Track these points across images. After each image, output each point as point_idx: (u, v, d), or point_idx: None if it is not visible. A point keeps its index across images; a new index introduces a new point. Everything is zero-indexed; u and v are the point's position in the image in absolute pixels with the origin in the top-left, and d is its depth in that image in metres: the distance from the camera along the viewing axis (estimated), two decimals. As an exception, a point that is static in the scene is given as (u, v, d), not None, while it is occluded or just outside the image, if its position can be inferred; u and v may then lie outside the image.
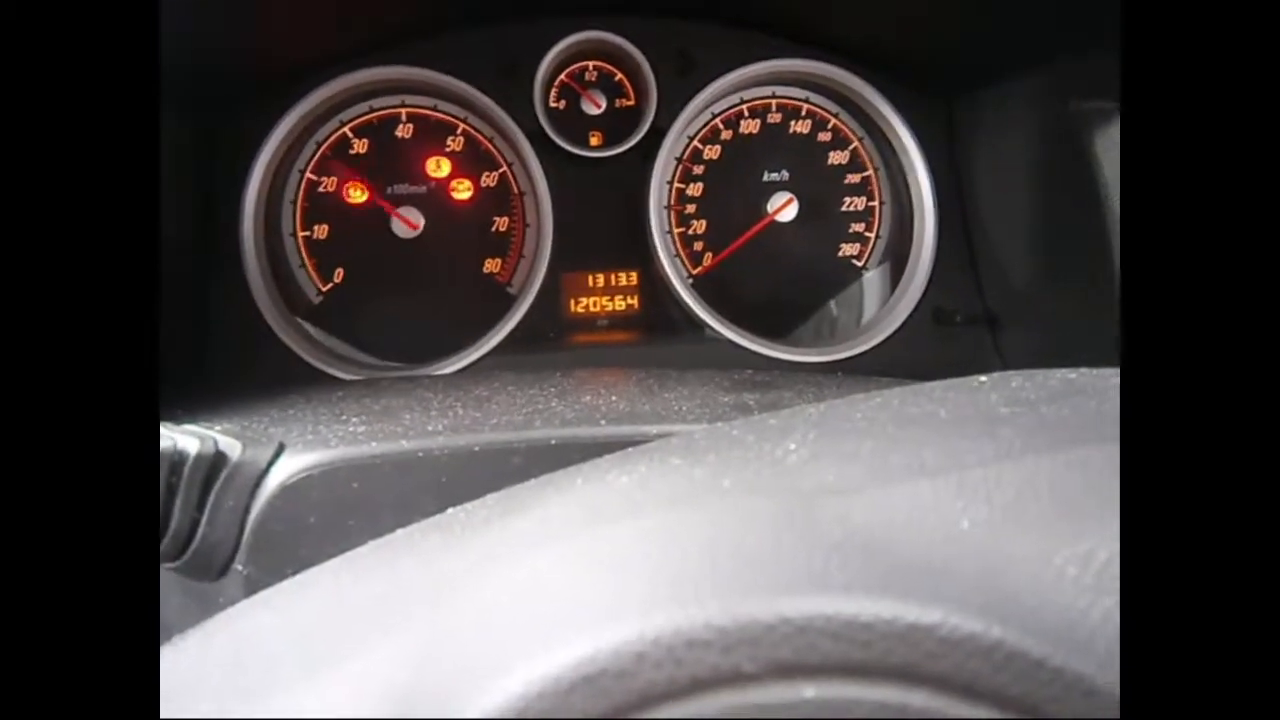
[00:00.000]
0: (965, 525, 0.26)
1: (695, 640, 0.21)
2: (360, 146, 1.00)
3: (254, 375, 0.89)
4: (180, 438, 0.53)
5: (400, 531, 0.38)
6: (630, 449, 0.41)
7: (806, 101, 1.06)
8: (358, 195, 1.00)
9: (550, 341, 0.99)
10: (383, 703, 0.23)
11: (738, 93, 1.04)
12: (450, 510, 0.39)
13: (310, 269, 0.99)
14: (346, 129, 0.99)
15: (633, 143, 1.00)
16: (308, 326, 0.97)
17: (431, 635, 0.25)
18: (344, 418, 0.60)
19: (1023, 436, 0.33)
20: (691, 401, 0.60)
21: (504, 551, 0.31)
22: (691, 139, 1.04)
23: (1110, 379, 0.43)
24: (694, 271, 1.05)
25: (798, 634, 0.21)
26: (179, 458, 0.52)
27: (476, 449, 0.52)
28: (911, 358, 0.96)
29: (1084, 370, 0.46)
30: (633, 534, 0.28)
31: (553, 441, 0.52)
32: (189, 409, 0.70)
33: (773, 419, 0.43)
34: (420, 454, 0.52)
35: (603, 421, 0.54)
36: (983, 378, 0.48)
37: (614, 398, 0.61)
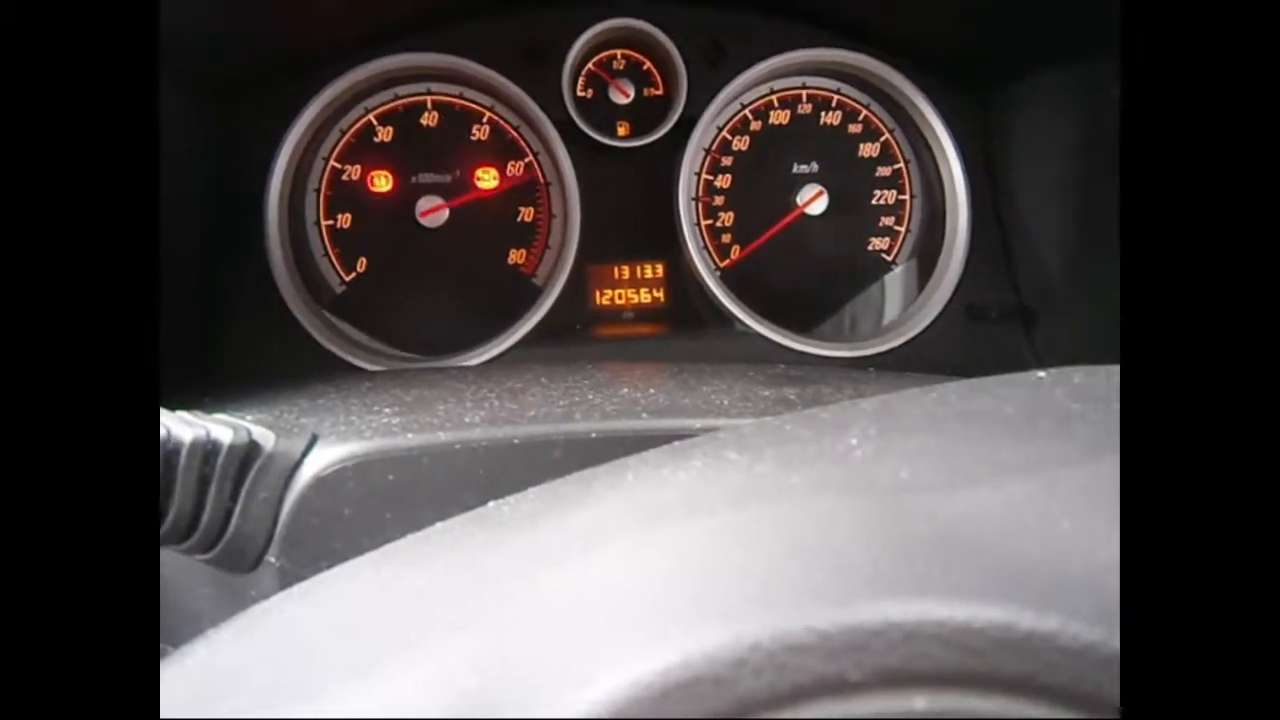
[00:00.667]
0: (1066, 526, 0.24)
1: (797, 645, 0.19)
2: (385, 134, 0.98)
3: (277, 364, 0.88)
4: (214, 427, 0.52)
5: (443, 524, 0.37)
6: (677, 443, 0.40)
7: (838, 93, 1.04)
8: (382, 184, 0.99)
9: (576, 334, 0.98)
10: (451, 704, 0.22)
11: (768, 83, 1.02)
12: (494, 504, 0.38)
13: (333, 258, 0.98)
14: (371, 116, 0.98)
15: (661, 133, 0.98)
16: (331, 316, 0.96)
17: (501, 635, 0.24)
18: (376, 408, 0.59)
19: (1103, 435, 0.31)
20: (731, 395, 0.58)
21: (563, 549, 0.29)
22: (720, 130, 1.03)
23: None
24: (721, 264, 1.04)
25: (906, 640, 0.19)
26: (212, 447, 0.51)
27: (516, 441, 0.51)
28: (944, 354, 0.95)
29: None
30: (706, 532, 0.26)
31: (593, 435, 0.51)
32: (216, 397, 0.69)
33: (825, 413, 0.42)
34: (458, 446, 0.51)
35: (644, 415, 0.53)
36: (1041, 373, 0.46)
37: (651, 390, 0.60)
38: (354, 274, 0.99)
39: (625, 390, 0.60)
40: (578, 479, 0.38)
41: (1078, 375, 0.44)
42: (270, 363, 0.88)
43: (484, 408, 0.57)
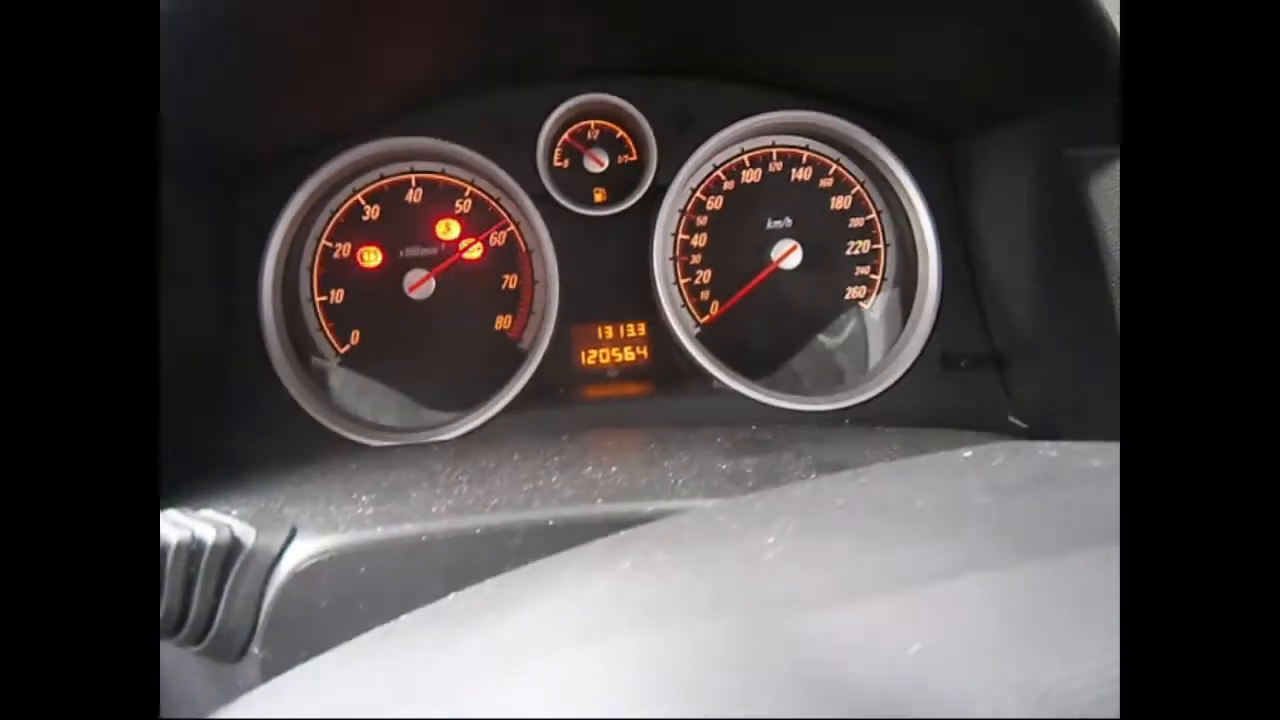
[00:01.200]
0: (914, 650, 0.27)
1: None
2: (373, 212, 1.03)
3: (273, 440, 0.91)
4: (197, 525, 0.56)
5: (399, 622, 0.40)
6: (620, 536, 0.43)
7: (807, 149, 1.07)
8: (371, 259, 1.03)
9: (562, 397, 1.01)
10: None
11: (738, 143, 1.06)
12: (447, 600, 0.41)
13: (328, 332, 1.03)
14: (359, 196, 1.03)
15: (636, 198, 1.02)
16: (326, 390, 1.00)
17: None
18: (354, 495, 0.63)
19: (987, 540, 0.34)
20: (689, 472, 0.61)
21: (480, 666, 0.32)
22: (694, 190, 1.06)
23: (1089, 458, 0.44)
24: (701, 320, 1.07)
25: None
26: (196, 547, 0.55)
27: (478, 531, 0.54)
28: (919, 403, 0.97)
29: (1068, 447, 0.47)
30: (601, 660, 0.29)
31: (550, 523, 0.54)
32: (211, 481, 0.73)
33: (759, 502, 0.45)
34: (424, 538, 0.54)
35: (599, 500, 0.55)
36: (968, 452, 0.49)
37: (614, 469, 0.63)
38: (348, 346, 1.03)
39: (588, 469, 0.63)
40: (522, 579, 0.41)
41: (999, 456, 0.47)
42: (266, 438, 0.92)
43: (453, 494, 0.60)
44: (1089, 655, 0.27)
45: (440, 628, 0.38)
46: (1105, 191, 0.77)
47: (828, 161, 1.08)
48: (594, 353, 1.06)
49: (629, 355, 1.07)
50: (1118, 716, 0.24)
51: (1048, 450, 0.46)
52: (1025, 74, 0.82)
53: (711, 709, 0.25)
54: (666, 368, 1.05)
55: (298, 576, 0.54)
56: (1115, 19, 0.67)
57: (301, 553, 0.54)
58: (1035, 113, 0.84)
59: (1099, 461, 0.43)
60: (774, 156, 1.07)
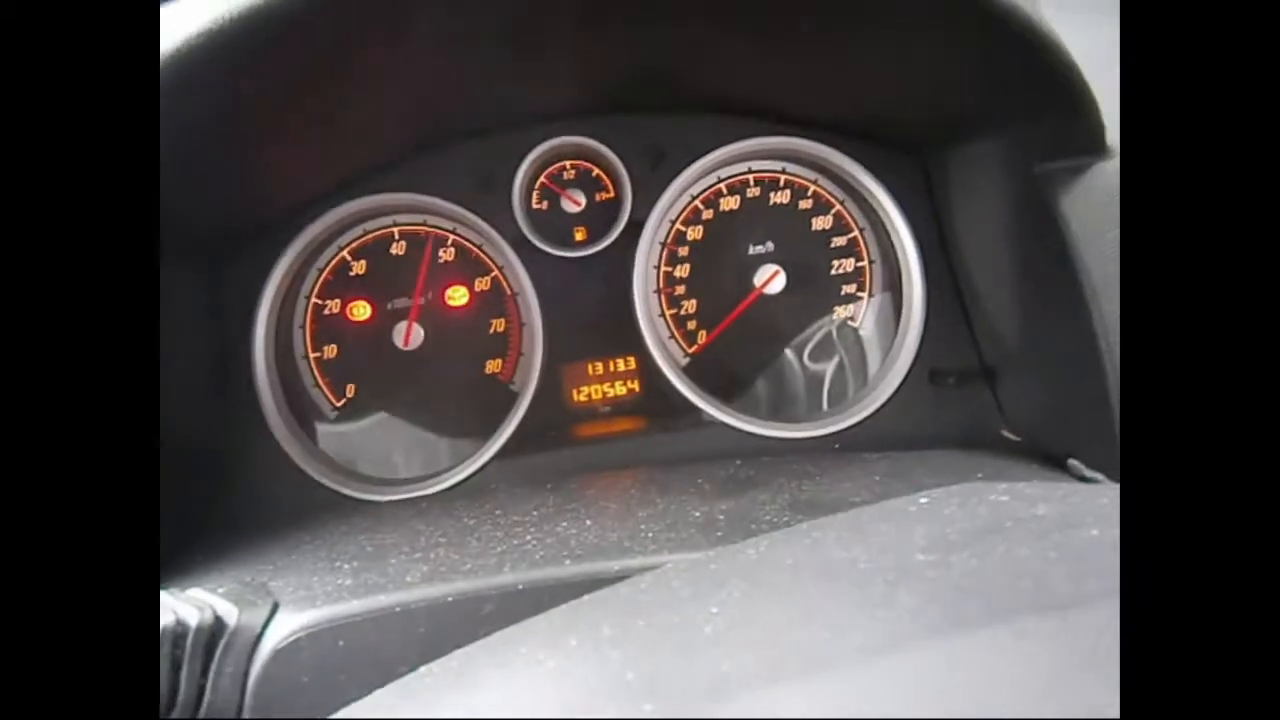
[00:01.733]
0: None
1: None
2: (359, 267, 1.05)
3: (270, 500, 0.93)
4: (181, 608, 0.57)
5: (373, 697, 0.42)
6: (581, 603, 0.44)
7: (783, 173, 1.07)
8: (361, 313, 1.05)
9: (554, 438, 1.02)
10: None
11: (713, 172, 1.06)
12: (415, 674, 0.42)
13: (324, 388, 1.05)
14: (345, 252, 1.05)
15: (615, 235, 1.03)
16: (322, 446, 1.01)
17: None
18: (337, 564, 0.64)
19: (913, 612, 0.34)
20: (662, 523, 0.62)
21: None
22: (674, 222, 1.07)
23: (1036, 504, 0.44)
24: (690, 350, 1.07)
25: None
26: (182, 629, 0.56)
27: (450, 600, 0.55)
28: (910, 422, 0.96)
29: (1020, 490, 0.47)
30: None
31: (520, 587, 0.54)
32: (204, 551, 0.75)
33: (714, 563, 0.46)
34: (398, 609, 0.55)
35: (567, 560, 0.56)
36: (924, 498, 0.49)
37: (589, 523, 0.64)
38: (344, 400, 1.05)
39: (563, 525, 0.63)
40: (482, 653, 0.42)
41: (951, 504, 0.47)
42: (262, 498, 0.94)
43: (430, 559, 0.61)
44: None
45: (404, 705, 0.40)
46: (1075, 202, 0.76)
47: (805, 183, 1.08)
48: (585, 389, 1.07)
49: (620, 390, 1.07)
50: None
51: (1000, 495, 0.46)
52: (988, 92, 0.82)
53: None
54: (657, 400, 1.06)
55: (279, 654, 0.55)
56: (1066, 41, 0.67)
57: (282, 630, 0.56)
58: (1001, 128, 0.84)
59: (1045, 509, 0.43)
60: (751, 182, 1.07)
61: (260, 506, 0.92)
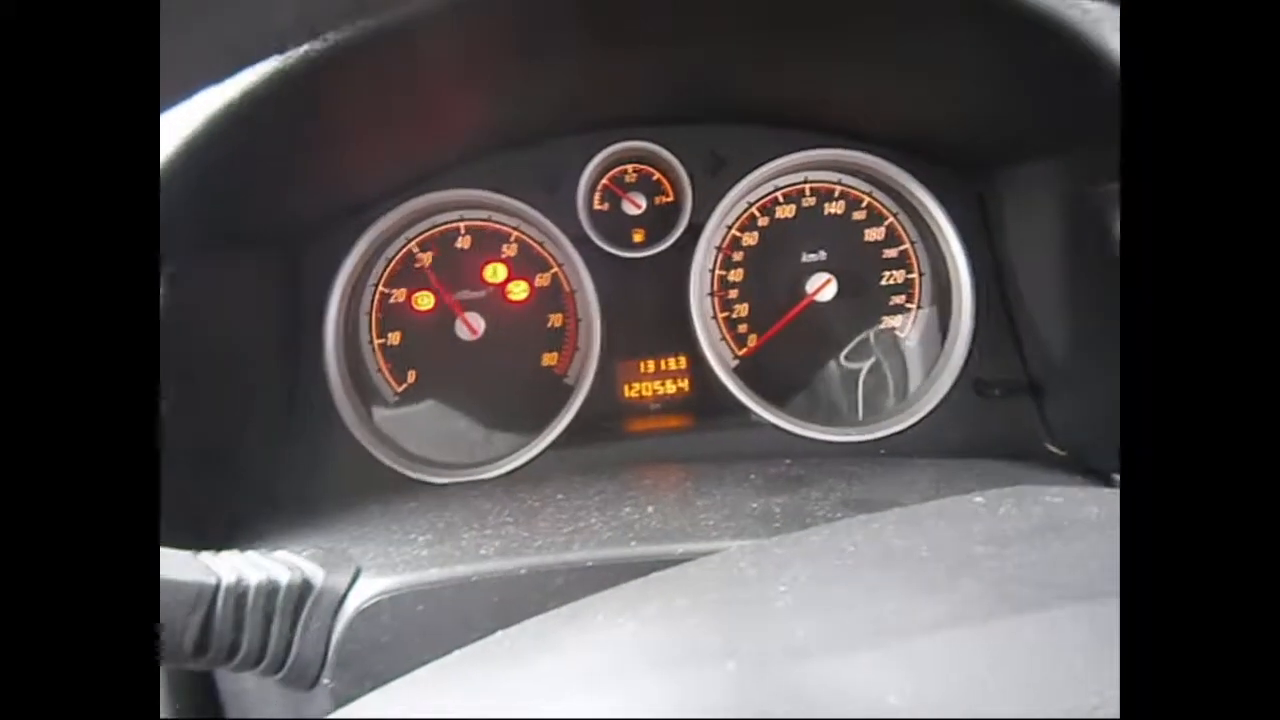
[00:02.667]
0: (892, 700, 0.30)
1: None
2: (425, 259, 1.10)
3: (337, 478, 0.98)
4: (274, 568, 0.61)
5: (451, 658, 0.45)
6: (650, 579, 0.47)
7: (839, 184, 1.10)
8: (424, 303, 1.10)
9: (607, 431, 1.06)
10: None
11: (771, 181, 1.09)
12: (493, 638, 0.46)
13: (386, 373, 1.09)
14: (412, 244, 1.09)
15: (673, 238, 1.07)
16: (384, 428, 1.06)
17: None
18: (412, 536, 0.68)
19: (974, 595, 0.37)
20: (721, 513, 0.65)
21: (523, 701, 0.37)
22: (730, 228, 1.10)
23: (1089, 505, 0.46)
24: (740, 353, 1.10)
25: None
26: (272, 587, 0.60)
27: (523, 572, 0.59)
28: (955, 431, 0.98)
29: (1072, 494, 0.49)
30: (622, 698, 0.33)
31: (589, 564, 0.58)
32: (281, 521, 0.80)
33: (779, 547, 0.48)
34: (474, 578, 0.59)
35: (633, 542, 0.60)
36: (979, 498, 0.51)
37: (650, 509, 0.67)
38: (405, 385, 1.10)
39: (626, 510, 0.67)
40: (560, 620, 0.46)
41: (1005, 504, 0.50)
42: (329, 476, 0.99)
43: (501, 535, 0.65)
44: (1059, 709, 0.30)
45: (485, 666, 0.43)
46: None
47: (860, 195, 1.10)
48: (636, 386, 1.11)
49: (670, 388, 1.11)
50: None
51: (1054, 496, 0.48)
52: (1048, 113, 0.83)
53: None
54: (706, 399, 1.09)
55: (362, 614, 0.59)
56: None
57: (365, 592, 0.60)
58: (1061, 148, 0.86)
59: (1098, 509, 0.45)
60: (807, 192, 1.10)
61: (327, 483, 0.96)
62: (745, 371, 1.07)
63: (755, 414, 1.01)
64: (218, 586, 0.57)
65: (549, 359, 1.11)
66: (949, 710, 0.29)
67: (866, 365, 1.10)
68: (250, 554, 0.65)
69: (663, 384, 1.11)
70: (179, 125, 0.66)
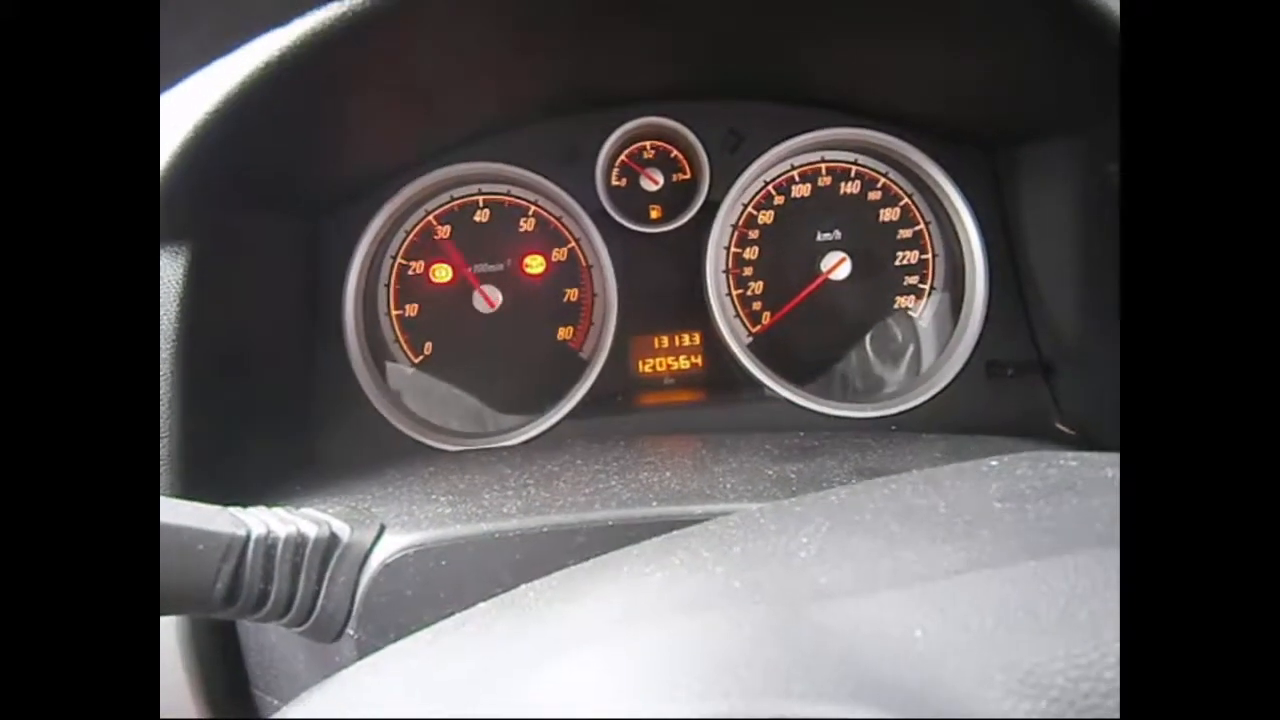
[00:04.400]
0: (919, 635, 0.31)
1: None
2: (443, 232, 1.11)
3: (356, 444, 1.00)
4: (302, 523, 0.63)
5: (479, 608, 0.46)
6: (672, 535, 0.48)
7: (855, 164, 1.11)
8: (442, 275, 1.11)
9: (620, 404, 1.07)
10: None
11: (788, 160, 1.10)
12: (520, 590, 0.47)
13: (403, 344, 1.11)
14: (431, 217, 1.10)
15: (690, 215, 1.07)
16: (402, 398, 1.08)
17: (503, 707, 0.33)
18: (434, 496, 0.69)
19: (995, 543, 0.38)
20: (738, 477, 0.66)
21: (549, 645, 0.38)
22: (746, 206, 1.11)
23: (1105, 467, 0.47)
24: (754, 330, 1.11)
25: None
26: (301, 540, 0.62)
27: (545, 530, 0.60)
28: (966, 410, 0.99)
29: (1088, 457, 0.50)
30: (659, 635, 0.35)
31: (610, 523, 0.59)
32: (305, 482, 0.81)
33: (799, 505, 0.50)
34: (497, 535, 0.60)
35: (654, 502, 0.61)
36: (994, 461, 0.52)
37: (668, 473, 0.68)
38: (422, 357, 1.11)
39: (645, 474, 0.68)
40: (585, 572, 0.47)
41: (1022, 465, 0.51)
42: (348, 442, 1.00)
43: (522, 496, 0.66)
44: (1084, 646, 0.31)
45: (514, 614, 0.44)
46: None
47: (876, 175, 1.11)
48: (650, 361, 1.12)
49: (684, 364, 1.12)
50: (1113, 700, 0.28)
51: (1069, 460, 0.49)
52: (1065, 93, 0.84)
53: (751, 683, 0.30)
54: (719, 375, 1.10)
55: (387, 568, 0.60)
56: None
57: (390, 547, 0.61)
58: (1078, 128, 0.86)
59: (1113, 471, 0.46)
60: (823, 171, 1.11)
61: (346, 448, 0.98)
62: (759, 348, 1.08)
63: (769, 389, 1.02)
64: (248, 538, 0.58)
65: (564, 333, 1.12)
66: (975, 647, 0.31)
67: (879, 344, 1.10)
68: (277, 509, 0.66)
69: (676, 359, 1.12)
70: (209, 90, 0.68)
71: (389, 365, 1.10)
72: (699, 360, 1.12)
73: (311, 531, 0.62)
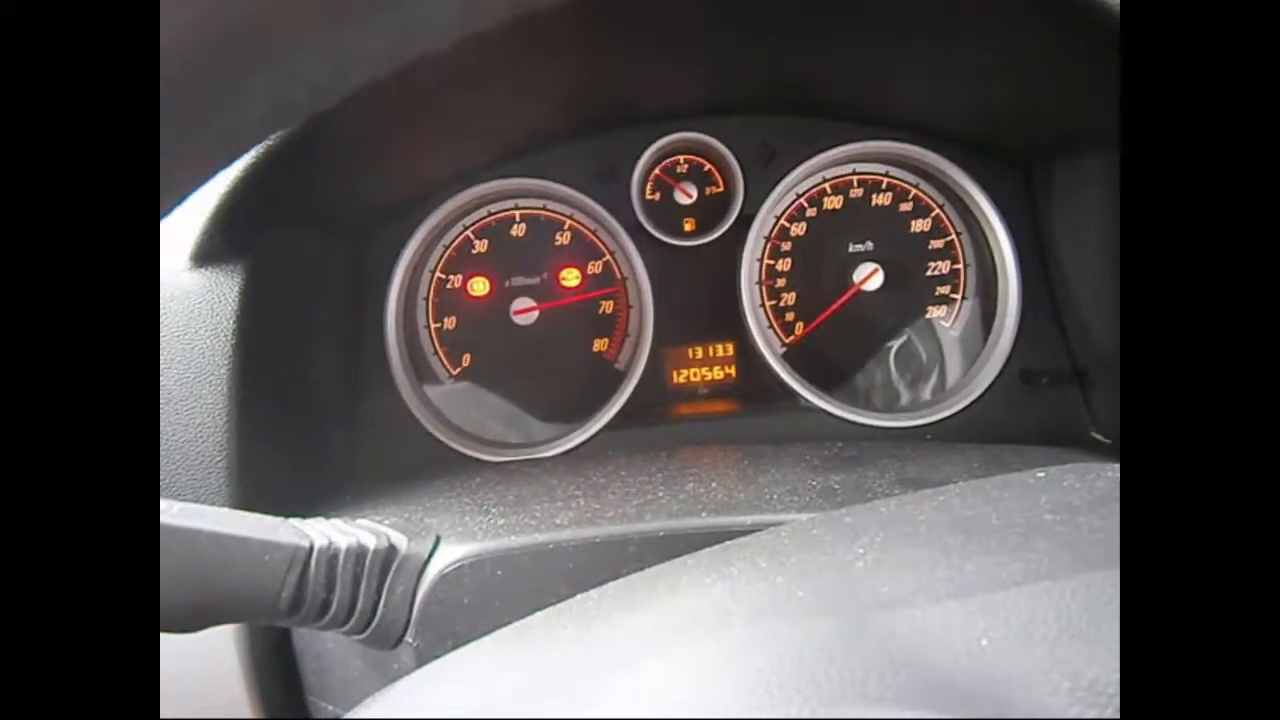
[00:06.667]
0: (984, 644, 0.32)
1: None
2: (481, 246, 1.13)
3: (397, 456, 1.02)
4: (361, 535, 0.65)
5: (536, 616, 0.48)
6: (726, 545, 0.50)
7: (886, 175, 1.12)
8: (480, 289, 1.13)
9: (656, 415, 1.08)
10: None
11: (820, 172, 1.11)
12: (577, 599, 0.48)
13: (442, 356, 1.13)
14: (469, 232, 1.13)
15: (724, 228, 1.09)
16: (442, 410, 1.10)
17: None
18: (485, 508, 0.71)
19: (1052, 554, 0.39)
20: (783, 487, 0.67)
21: (614, 655, 0.39)
22: (779, 218, 1.12)
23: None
24: (787, 340, 1.13)
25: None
26: (361, 551, 0.64)
27: (598, 540, 0.62)
28: (1000, 419, 1.00)
29: None
30: (720, 648, 0.36)
31: (661, 534, 0.61)
32: (354, 494, 0.83)
33: (849, 516, 0.51)
34: (551, 546, 0.62)
35: (704, 513, 0.62)
36: (1040, 473, 0.54)
37: (714, 484, 0.70)
38: (460, 369, 1.13)
39: (691, 485, 0.70)
40: (645, 582, 0.48)
41: (1069, 477, 0.52)
42: (390, 453, 1.03)
43: (572, 507, 0.68)
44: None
45: (576, 622, 0.46)
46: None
47: (907, 187, 1.12)
48: (685, 372, 1.14)
49: (718, 374, 1.13)
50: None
51: (1114, 472, 0.50)
52: (1097, 109, 0.85)
53: (819, 693, 0.31)
54: (753, 386, 1.11)
55: (444, 578, 0.62)
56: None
57: (446, 558, 0.63)
58: (1111, 141, 0.87)
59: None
60: (855, 183, 1.12)
61: (391, 460, 1.00)
62: (792, 358, 1.10)
63: (803, 399, 1.04)
64: (311, 549, 0.60)
65: (600, 345, 1.14)
66: (1040, 655, 0.32)
67: (911, 354, 1.11)
68: (335, 521, 0.69)
69: (710, 370, 1.13)
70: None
71: (428, 377, 1.12)
72: (733, 371, 1.14)
73: (370, 542, 0.64)
